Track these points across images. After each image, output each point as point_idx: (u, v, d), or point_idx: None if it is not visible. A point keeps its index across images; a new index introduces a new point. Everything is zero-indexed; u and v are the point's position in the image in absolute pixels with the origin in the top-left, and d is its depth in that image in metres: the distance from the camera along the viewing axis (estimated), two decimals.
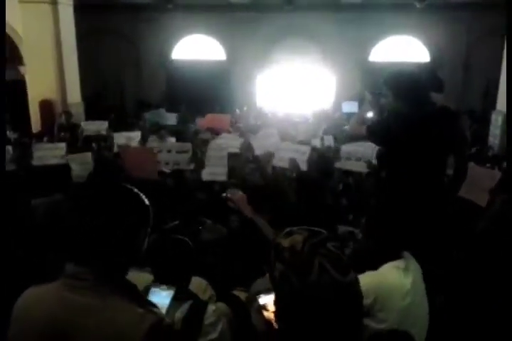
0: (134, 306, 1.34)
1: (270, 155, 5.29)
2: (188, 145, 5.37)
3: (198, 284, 2.37)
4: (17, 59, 10.36)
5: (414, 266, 2.15)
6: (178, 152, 5.22)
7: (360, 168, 4.84)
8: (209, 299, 2.36)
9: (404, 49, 14.12)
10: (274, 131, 5.83)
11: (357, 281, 1.17)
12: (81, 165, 5.29)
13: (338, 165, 5.13)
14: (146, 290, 1.89)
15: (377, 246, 2.13)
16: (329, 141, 6.65)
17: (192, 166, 5.24)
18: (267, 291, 1.28)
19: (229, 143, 5.61)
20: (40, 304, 1.37)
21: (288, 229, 1.26)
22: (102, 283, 1.34)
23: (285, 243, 1.18)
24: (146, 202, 1.46)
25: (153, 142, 6.08)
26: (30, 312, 1.38)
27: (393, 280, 2.04)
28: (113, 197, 1.42)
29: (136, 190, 1.47)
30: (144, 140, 6.49)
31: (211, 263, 2.89)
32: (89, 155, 5.50)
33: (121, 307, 1.33)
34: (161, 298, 1.78)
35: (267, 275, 1.75)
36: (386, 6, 12.69)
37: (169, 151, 5.23)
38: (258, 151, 5.39)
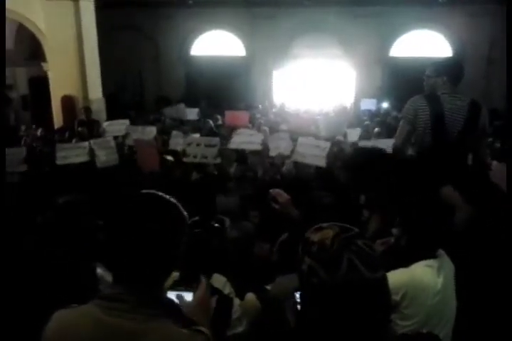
0: (179, 327, 1.25)
1: (283, 158, 5.34)
2: (216, 140, 5.47)
3: (217, 280, 2.40)
4: (40, 56, 10.52)
5: (448, 265, 2.12)
6: (206, 146, 5.31)
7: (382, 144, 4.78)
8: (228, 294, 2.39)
9: (425, 44, 13.92)
10: (286, 135, 5.84)
11: (385, 279, 1.17)
12: (105, 149, 5.44)
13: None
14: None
15: (412, 244, 2.10)
16: (354, 135, 6.54)
17: (219, 160, 5.32)
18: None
19: (247, 139, 5.62)
20: (75, 329, 1.26)
21: (319, 225, 1.25)
22: (143, 305, 1.24)
23: (315, 237, 1.19)
24: (184, 212, 1.37)
25: (176, 137, 6.13)
26: (64, 338, 1.27)
27: (424, 279, 2.01)
28: (152, 210, 1.31)
29: (173, 200, 1.37)
30: (166, 135, 6.55)
31: (236, 260, 2.89)
32: (111, 139, 5.64)
33: (166, 330, 1.23)
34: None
35: (287, 275, 1.73)
36: (408, 0, 12.51)
37: (198, 145, 5.33)
38: (273, 152, 5.43)
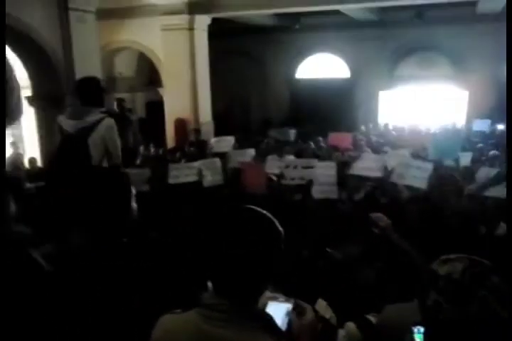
0: None
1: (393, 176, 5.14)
2: (314, 161, 5.43)
3: (320, 306, 2.35)
4: (156, 82, 11.38)
5: None
6: (303, 167, 5.32)
7: (497, 192, 4.44)
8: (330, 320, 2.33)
9: None
10: (405, 152, 5.59)
11: None
12: (211, 170, 5.62)
13: (468, 191, 4.72)
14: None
15: None
16: (466, 159, 6.13)
17: None
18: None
19: (369, 165, 5.45)
20: (178, 334, 1.35)
21: (446, 256, 1.17)
22: (241, 316, 1.28)
23: (442, 270, 1.11)
24: (280, 227, 1.40)
25: (272, 161, 6.21)
26: None
27: None
28: (251, 224, 1.36)
29: (269, 215, 1.40)
30: (263, 157, 6.66)
31: (337, 285, 2.84)
32: (217, 160, 5.85)
33: None
34: (279, 311, 1.70)
35: (397, 304, 1.63)
36: None
37: (295, 167, 5.36)
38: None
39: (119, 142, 4.05)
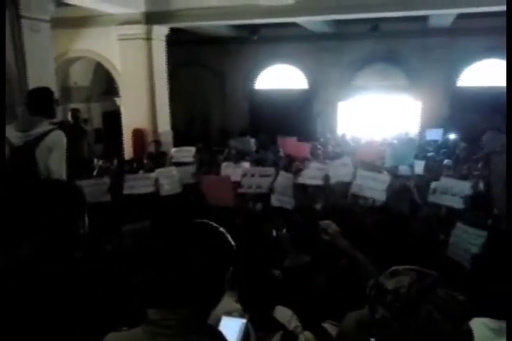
0: None
1: (344, 185, 5.25)
2: (271, 170, 5.45)
3: (283, 313, 2.35)
4: (113, 91, 11.20)
5: None
6: (261, 176, 5.31)
7: (457, 203, 4.60)
8: (294, 329, 2.33)
9: (495, 73, 13.41)
10: (348, 161, 5.75)
11: (471, 334, 1.05)
12: (168, 178, 5.56)
13: (432, 198, 4.87)
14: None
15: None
16: (419, 168, 6.29)
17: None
18: None
19: (314, 174, 5.54)
20: None
21: (394, 268, 1.15)
22: (187, 332, 1.25)
23: (389, 285, 1.09)
24: (232, 241, 1.39)
25: (227, 168, 6.18)
26: None
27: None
28: (202, 238, 1.35)
29: (221, 229, 1.40)
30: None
31: (296, 292, 2.84)
32: (174, 169, 5.79)
33: None
34: (233, 326, 1.67)
35: (360, 310, 1.65)
36: (477, 30, 12.21)
37: (252, 175, 5.33)
38: (332, 180, 5.34)
39: (63, 161, 3.81)
